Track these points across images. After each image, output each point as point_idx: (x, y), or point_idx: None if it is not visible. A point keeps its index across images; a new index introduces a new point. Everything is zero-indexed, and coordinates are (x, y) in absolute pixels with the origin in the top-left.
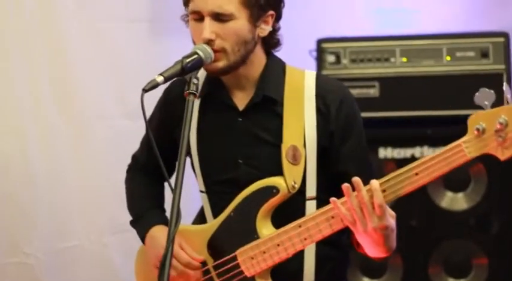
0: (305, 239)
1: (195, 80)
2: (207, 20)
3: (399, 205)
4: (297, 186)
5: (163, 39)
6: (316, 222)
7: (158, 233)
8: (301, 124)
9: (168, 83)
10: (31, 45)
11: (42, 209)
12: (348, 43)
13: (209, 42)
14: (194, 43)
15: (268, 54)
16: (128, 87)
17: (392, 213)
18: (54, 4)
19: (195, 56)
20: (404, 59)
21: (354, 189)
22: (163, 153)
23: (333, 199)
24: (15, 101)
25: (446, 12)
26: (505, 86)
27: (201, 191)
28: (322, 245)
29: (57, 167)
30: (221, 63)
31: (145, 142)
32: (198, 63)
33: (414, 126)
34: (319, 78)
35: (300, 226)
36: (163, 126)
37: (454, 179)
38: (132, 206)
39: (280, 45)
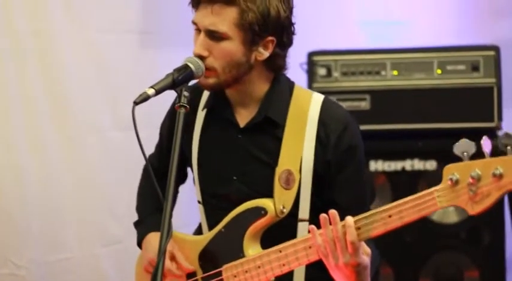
0: (283, 265)
1: (185, 93)
2: (202, 36)
3: None
4: (285, 211)
5: (154, 51)
6: (295, 249)
7: (153, 237)
8: (299, 149)
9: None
10: (22, 58)
11: (34, 220)
12: (339, 56)
13: (201, 57)
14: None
15: (276, 72)
16: (119, 99)
17: (368, 250)
18: (45, 17)
19: (186, 69)
20: (395, 72)
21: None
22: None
23: (311, 226)
24: (6, 113)
25: (437, 25)
26: (483, 140)
27: (198, 202)
28: (312, 269)
29: (49, 179)
30: (211, 81)
31: (157, 147)
32: (189, 76)
33: (405, 139)
34: (325, 104)
35: (280, 251)
36: (171, 140)
37: None
38: (137, 208)
39: (283, 69)
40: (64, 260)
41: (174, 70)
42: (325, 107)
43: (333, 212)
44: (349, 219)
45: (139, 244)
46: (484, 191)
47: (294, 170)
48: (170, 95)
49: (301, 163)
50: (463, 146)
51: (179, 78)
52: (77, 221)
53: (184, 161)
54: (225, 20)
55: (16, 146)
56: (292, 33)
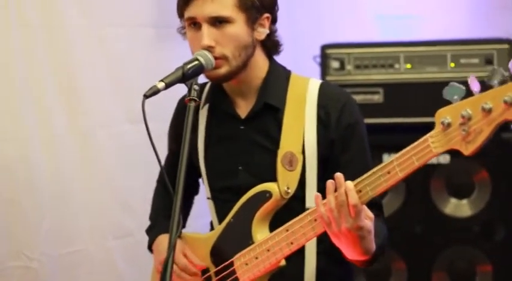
0: (291, 243)
1: (195, 87)
2: (205, 27)
3: (403, 210)
4: (290, 191)
5: (168, 45)
6: (301, 225)
7: (163, 238)
8: (300, 131)
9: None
10: (34, 53)
11: (46, 213)
12: (352, 49)
13: (209, 48)
14: (193, 53)
15: (270, 59)
16: (132, 93)
17: (370, 215)
18: (57, 11)
19: (196, 62)
20: (408, 66)
21: None
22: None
23: (316, 194)
24: (18, 108)
25: (450, 18)
26: (470, 79)
27: (208, 198)
28: (323, 259)
29: (60, 172)
30: (223, 70)
31: (169, 153)
32: (199, 70)
33: (418, 133)
34: (323, 87)
35: (287, 230)
36: (178, 139)
37: (458, 186)
38: (150, 215)
39: (279, 46)
40: (76, 252)
41: (184, 63)
42: (322, 89)
43: (338, 175)
44: (349, 183)
45: (150, 248)
46: (476, 129)
47: (296, 152)
48: (183, 88)
49: (303, 144)
50: (452, 90)
51: (189, 72)
52: (89, 214)
53: (194, 168)
54: (225, 3)
55: (27, 140)
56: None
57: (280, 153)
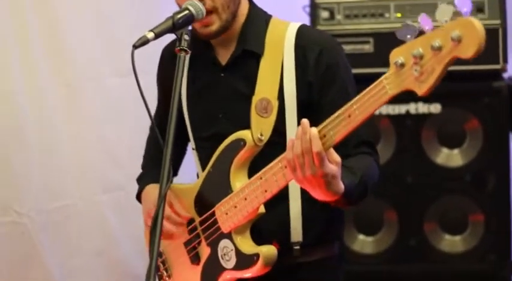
0: (265, 190)
1: (186, 37)
2: None
3: (394, 161)
4: (263, 138)
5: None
6: (273, 172)
7: (151, 189)
8: (276, 76)
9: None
10: (21, 7)
11: (34, 169)
12: None
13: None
14: (179, 6)
15: (250, 2)
16: (119, 45)
17: (337, 159)
18: None
19: (186, 11)
20: (398, 15)
21: None
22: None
23: (290, 138)
24: (4, 61)
25: None
26: (421, 17)
27: (192, 149)
28: (307, 205)
29: (48, 127)
30: (214, 27)
31: (158, 103)
32: (189, 19)
33: None
34: (302, 29)
35: (260, 178)
36: (165, 88)
37: (450, 135)
38: (142, 164)
39: None
40: (65, 207)
41: (174, 13)
42: (301, 32)
43: (304, 121)
44: (313, 130)
45: (138, 198)
46: (428, 68)
47: (271, 98)
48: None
49: (281, 90)
50: (405, 30)
51: (179, 22)
52: (77, 169)
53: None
54: None
55: (14, 94)
56: None
57: (255, 99)
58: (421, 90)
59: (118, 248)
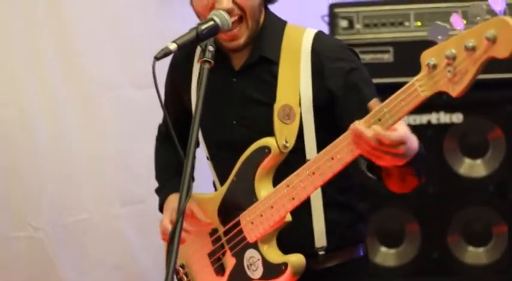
0: (293, 198)
1: (210, 48)
2: None
3: None
4: (288, 145)
5: (171, 4)
6: (300, 179)
7: (173, 197)
8: (296, 83)
9: None
10: (34, 16)
11: (49, 181)
12: (361, 8)
13: (228, 11)
14: (198, 15)
15: (266, 9)
16: (134, 55)
17: (402, 132)
18: None
19: (211, 22)
20: (418, 23)
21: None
22: (180, 122)
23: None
24: (19, 71)
25: None
26: (453, 17)
27: (207, 158)
28: (330, 210)
29: (63, 138)
30: (243, 39)
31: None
32: (214, 30)
33: None
34: (317, 36)
35: (287, 186)
36: (174, 95)
37: (472, 145)
38: (157, 176)
39: None
40: (82, 221)
41: (199, 24)
42: (317, 38)
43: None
44: (377, 128)
45: (161, 209)
46: (461, 69)
47: (293, 105)
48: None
49: (300, 96)
50: (436, 30)
51: (203, 33)
52: (93, 182)
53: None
54: None
55: (28, 107)
56: None
57: (277, 106)
58: (454, 92)
59: (136, 262)
